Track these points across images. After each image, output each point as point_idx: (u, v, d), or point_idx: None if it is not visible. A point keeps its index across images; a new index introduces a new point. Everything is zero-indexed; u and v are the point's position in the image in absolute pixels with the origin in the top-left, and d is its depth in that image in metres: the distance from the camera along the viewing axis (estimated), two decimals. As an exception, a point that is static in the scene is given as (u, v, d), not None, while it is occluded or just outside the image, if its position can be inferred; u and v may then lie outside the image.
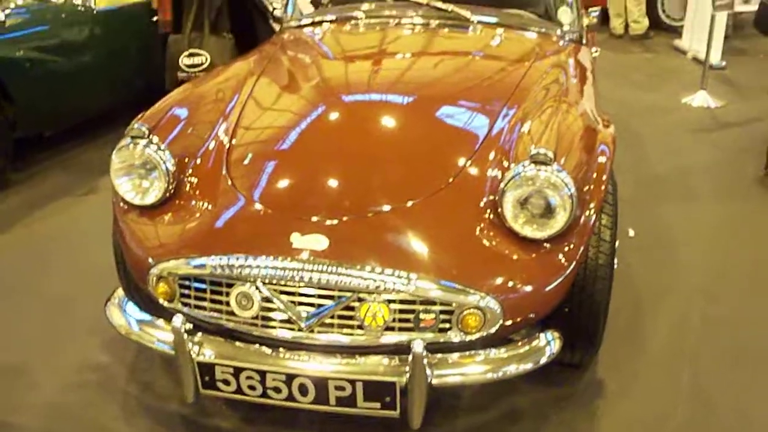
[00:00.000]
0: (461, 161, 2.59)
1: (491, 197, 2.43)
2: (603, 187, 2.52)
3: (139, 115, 2.87)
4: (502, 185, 2.37)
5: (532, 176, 2.34)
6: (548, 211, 2.35)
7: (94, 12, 5.22)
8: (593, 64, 3.89)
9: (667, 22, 9.28)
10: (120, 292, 2.71)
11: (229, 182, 2.59)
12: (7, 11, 4.75)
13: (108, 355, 3.03)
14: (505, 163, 2.51)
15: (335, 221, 2.39)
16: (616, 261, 2.84)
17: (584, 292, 2.54)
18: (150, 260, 2.48)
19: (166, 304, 2.48)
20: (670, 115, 6.14)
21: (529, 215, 2.36)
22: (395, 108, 2.99)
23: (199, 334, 2.40)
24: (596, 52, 4.41)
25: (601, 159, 2.60)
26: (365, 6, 3.91)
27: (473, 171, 2.55)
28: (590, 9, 4.00)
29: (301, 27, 3.94)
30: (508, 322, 2.32)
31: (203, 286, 2.40)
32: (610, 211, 2.63)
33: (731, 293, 3.50)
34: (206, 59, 5.48)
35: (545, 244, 2.37)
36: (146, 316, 2.58)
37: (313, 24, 3.90)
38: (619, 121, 5.69)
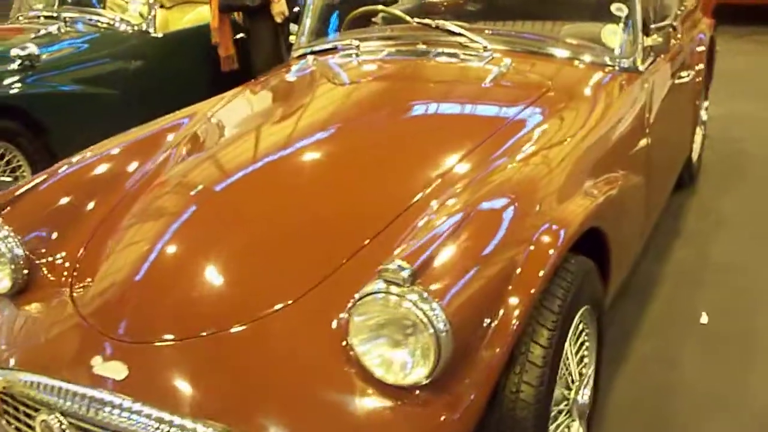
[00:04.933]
0: (335, 262, 1.91)
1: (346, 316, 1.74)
2: (528, 299, 1.74)
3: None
4: (349, 305, 1.69)
5: (386, 301, 1.63)
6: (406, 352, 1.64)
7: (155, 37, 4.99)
8: (657, 97, 3.03)
9: None
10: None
11: (67, 284, 2.12)
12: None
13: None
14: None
15: (145, 346, 1.84)
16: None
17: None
18: None
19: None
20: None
21: (384, 353, 1.66)
22: (302, 178, 2.34)
23: None
24: (687, 76, 3.49)
25: (544, 250, 1.83)
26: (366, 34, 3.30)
27: (345, 276, 1.87)
28: (659, 25, 3.09)
29: (300, 57, 3.37)
30: None
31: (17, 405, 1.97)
32: (546, 340, 1.82)
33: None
34: None
35: (416, 392, 1.65)
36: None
37: (308, 55, 3.32)
38: (742, 153, 4.54)
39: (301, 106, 2.85)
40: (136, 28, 4.97)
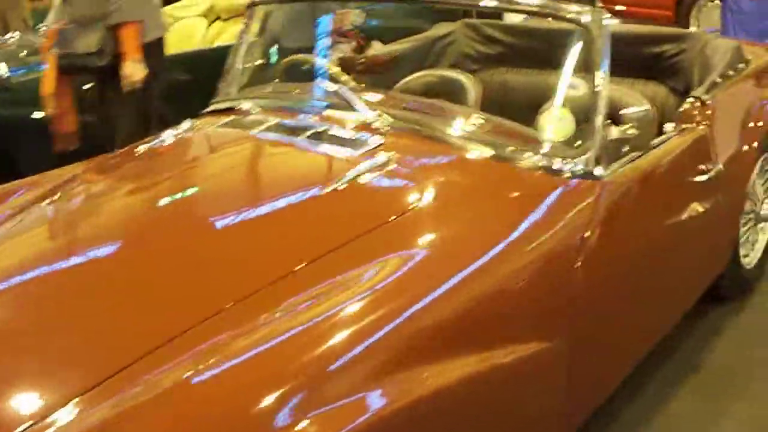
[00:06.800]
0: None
1: None
2: None
3: None
4: None
5: None
6: None
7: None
8: (632, 211, 2.19)
9: None
10: None
11: None
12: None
13: None
14: None
15: None
16: None
17: None
18: None
19: None
20: None
21: None
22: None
23: None
24: (714, 170, 2.58)
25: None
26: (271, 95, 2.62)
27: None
28: (633, 111, 2.19)
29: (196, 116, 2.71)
30: None
31: None
32: None
33: None
34: None
35: None
36: None
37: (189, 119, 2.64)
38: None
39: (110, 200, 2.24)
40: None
